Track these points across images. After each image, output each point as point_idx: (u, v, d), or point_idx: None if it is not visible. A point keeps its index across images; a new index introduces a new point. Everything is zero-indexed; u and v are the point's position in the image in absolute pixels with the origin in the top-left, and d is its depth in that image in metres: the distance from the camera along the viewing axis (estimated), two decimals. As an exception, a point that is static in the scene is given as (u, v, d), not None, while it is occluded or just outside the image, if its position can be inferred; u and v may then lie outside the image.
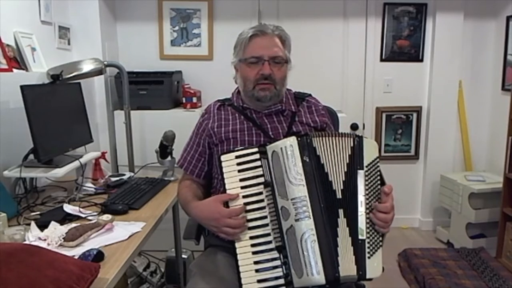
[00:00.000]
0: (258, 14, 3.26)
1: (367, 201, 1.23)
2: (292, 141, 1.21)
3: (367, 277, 1.18)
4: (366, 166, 1.25)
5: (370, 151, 1.27)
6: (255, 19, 3.24)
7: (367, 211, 1.23)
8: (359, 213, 1.21)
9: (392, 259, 2.96)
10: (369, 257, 1.19)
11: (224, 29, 3.23)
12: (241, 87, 1.51)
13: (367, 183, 1.24)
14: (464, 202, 3.03)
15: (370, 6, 3.29)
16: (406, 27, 3.34)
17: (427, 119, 3.44)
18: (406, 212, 3.57)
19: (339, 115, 1.83)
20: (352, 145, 1.26)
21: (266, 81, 1.43)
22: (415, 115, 3.45)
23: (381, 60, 3.38)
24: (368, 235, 1.21)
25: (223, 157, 1.30)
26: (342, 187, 1.22)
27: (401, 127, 3.48)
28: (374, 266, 1.19)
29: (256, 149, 1.29)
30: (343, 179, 1.23)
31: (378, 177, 1.27)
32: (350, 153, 1.25)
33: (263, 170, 1.27)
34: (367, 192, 1.24)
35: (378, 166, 1.28)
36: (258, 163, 1.28)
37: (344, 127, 3.16)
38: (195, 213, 1.38)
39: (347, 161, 1.24)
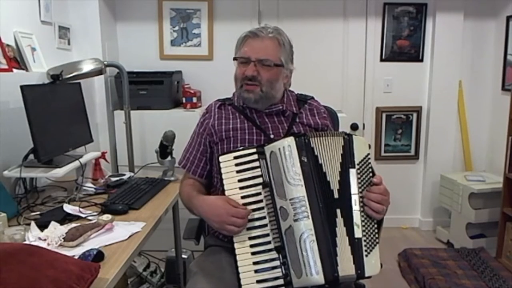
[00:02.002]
0: (258, 14, 3.26)
1: (361, 199, 1.23)
2: (290, 141, 1.21)
3: (366, 275, 1.18)
4: (358, 164, 1.25)
5: (361, 148, 1.27)
6: (255, 19, 3.24)
7: (361, 209, 1.22)
8: (354, 212, 1.21)
9: (392, 259, 2.96)
10: (366, 255, 1.19)
11: (224, 29, 3.23)
12: (234, 84, 1.52)
13: (359, 180, 1.24)
14: (464, 202, 3.03)
15: (370, 6, 3.29)
16: (406, 27, 3.33)
17: (427, 119, 3.44)
18: (406, 212, 3.57)
19: (339, 115, 1.83)
20: (342, 144, 1.26)
21: (250, 82, 1.43)
22: (415, 115, 3.45)
23: (381, 60, 3.38)
24: (364, 233, 1.21)
25: (221, 158, 1.30)
26: (338, 187, 1.22)
27: (401, 127, 3.48)
28: (372, 263, 1.20)
29: (254, 150, 1.29)
30: (339, 178, 1.23)
31: (370, 174, 1.27)
32: (342, 152, 1.25)
33: (261, 171, 1.27)
34: (360, 190, 1.24)
35: (369, 163, 1.28)
36: (257, 163, 1.28)
37: (344, 127, 3.15)
38: (200, 206, 1.37)
39: (340, 160, 1.24)
